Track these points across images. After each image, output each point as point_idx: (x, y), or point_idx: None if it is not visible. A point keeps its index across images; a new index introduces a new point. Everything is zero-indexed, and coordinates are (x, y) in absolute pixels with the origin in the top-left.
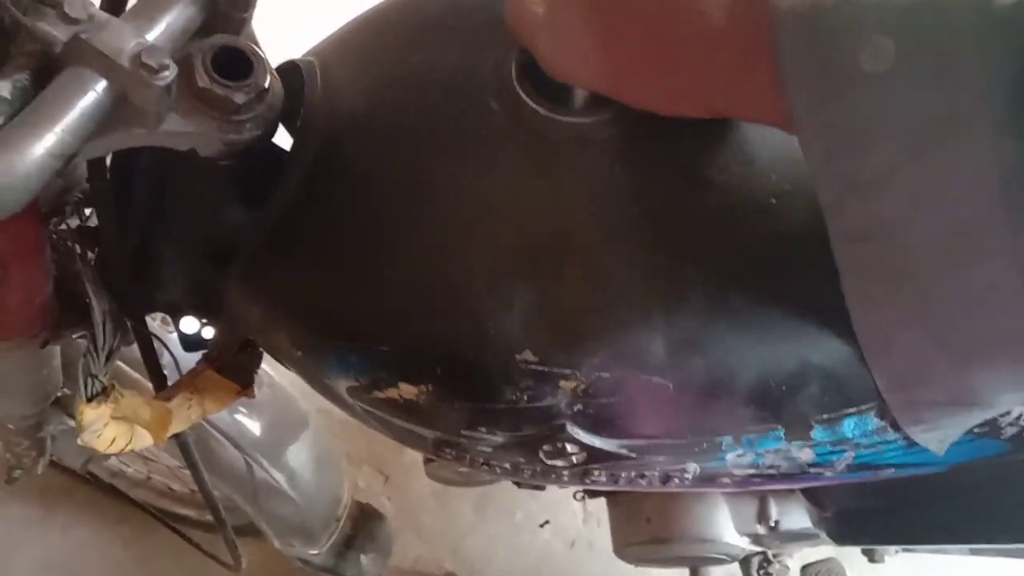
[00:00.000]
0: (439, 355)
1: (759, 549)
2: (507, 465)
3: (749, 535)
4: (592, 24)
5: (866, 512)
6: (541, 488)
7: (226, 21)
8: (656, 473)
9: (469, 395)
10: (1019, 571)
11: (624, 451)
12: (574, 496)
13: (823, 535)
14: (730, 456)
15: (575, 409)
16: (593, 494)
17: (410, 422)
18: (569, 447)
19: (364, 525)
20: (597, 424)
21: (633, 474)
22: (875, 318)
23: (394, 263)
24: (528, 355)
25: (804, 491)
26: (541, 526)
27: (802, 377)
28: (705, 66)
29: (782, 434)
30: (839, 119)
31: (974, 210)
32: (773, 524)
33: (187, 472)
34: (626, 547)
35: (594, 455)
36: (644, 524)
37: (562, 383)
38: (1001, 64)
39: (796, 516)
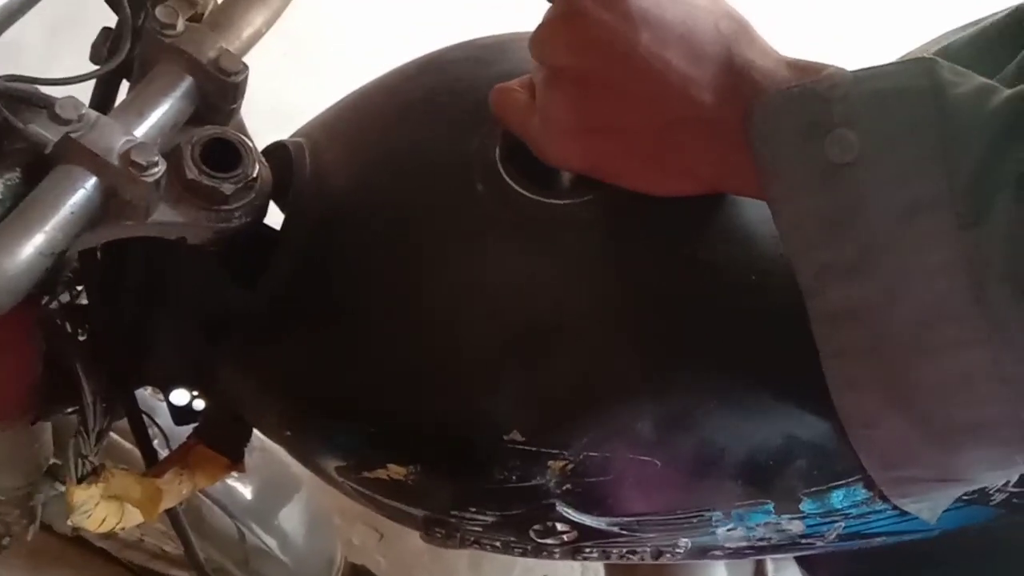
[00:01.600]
0: (427, 436)
1: None
2: (498, 544)
3: None
4: (583, 110)
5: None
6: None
7: (215, 112)
8: (648, 549)
9: (457, 475)
10: None
11: (615, 528)
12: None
13: None
14: (721, 531)
15: (564, 488)
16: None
17: (399, 501)
18: (559, 526)
19: None
20: (587, 503)
21: (624, 551)
22: (856, 401)
23: (382, 345)
24: (516, 435)
25: (797, 558)
26: None
27: (789, 452)
28: (697, 146)
29: (771, 508)
30: (811, 207)
31: (945, 300)
32: None
33: None
34: None
35: (585, 533)
36: None
37: (550, 463)
38: (960, 154)
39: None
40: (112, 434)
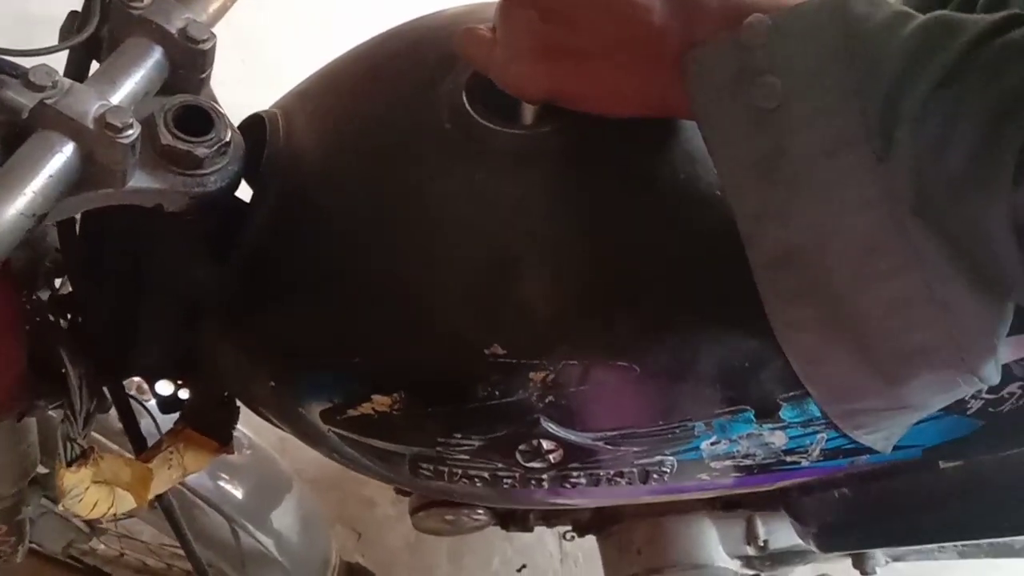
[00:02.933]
0: (409, 360)
1: (752, 573)
2: (486, 474)
3: (740, 557)
4: (537, 34)
5: (849, 522)
6: (528, 530)
7: (186, 82)
8: (634, 470)
9: (441, 398)
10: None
11: (599, 444)
12: (563, 536)
13: (811, 546)
14: (704, 444)
15: (547, 401)
16: (580, 533)
17: (385, 440)
18: (545, 444)
19: None
20: (569, 415)
21: (612, 472)
22: (800, 340)
23: (359, 277)
24: (497, 348)
25: (787, 510)
26: (518, 571)
27: (764, 354)
28: (645, 67)
29: (752, 416)
30: (743, 154)
31: (872, 234)
32: (762, 544)
33: (163, 548)
34: None
35: (570, 452)
36: (635, 556)
37: (531, 375)
38: (871, 90)
39: (784, 534)
40: (102, 438)
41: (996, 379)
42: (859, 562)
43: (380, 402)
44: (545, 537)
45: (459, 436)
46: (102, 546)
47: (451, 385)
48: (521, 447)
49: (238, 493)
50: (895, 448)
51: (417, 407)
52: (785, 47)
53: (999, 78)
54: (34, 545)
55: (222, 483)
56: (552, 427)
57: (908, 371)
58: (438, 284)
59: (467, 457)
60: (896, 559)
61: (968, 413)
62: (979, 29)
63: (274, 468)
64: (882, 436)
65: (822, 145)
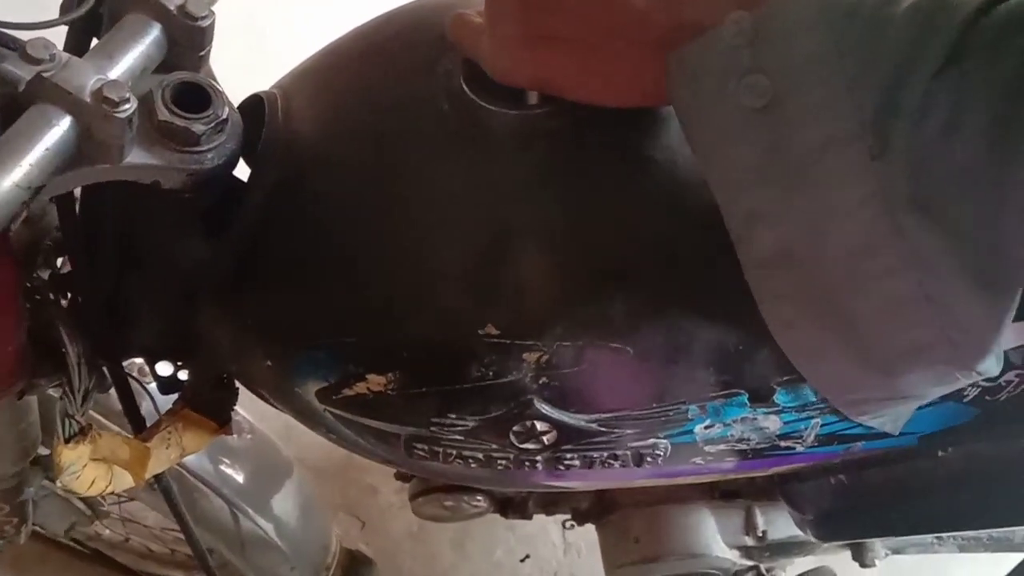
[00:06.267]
0: (403, 339)
1: (751, 563)
2: (480, 455)
3: (738, 548)
4: (525, 21)
5: (845, 509)
6: (527, 517)
7: (184, 59)
8: (628, 453)
9: (435, 377)
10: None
11: (593, 426)
12: (563, 524)
13: (808, 535)
14: (698, 428)
15: (540, 382)
16: (579, 521)
17: (380, 420)
18: (539, 425)
19: (355, 572)
20: (563, 397)
21: (605, 455)
22: (796, 338)
23: (354, 258)
24: (490, 328)
25: (784, 496)
26: (522, 561)
27: (758, 338)
28: (635, 56)
29: (746, 399)
30: (733, 156)
31: (867, 233)
32: (761, 534)
33: (167, 533)
34: (616, 569)
35: (564, 433)
36: (632, 544)
37: (525, 355)
38: (863, 86)
39: (783, 525)
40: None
41: (996, 371)
42: (858, 554)
43: (375, 381)
44: (548, 527)
45: (453, 416)
46: (107, 531)
47: (445, 365)
48: (515, 428)
49: (239, 477)
50: (888, 435)
51: (411, 387)
52: (771, 44)
53: (1007, 53)
54: (37, 528)
55: (223, 467)
56: (546, 408)
57: (903, 367)
58: (432, 264)
59: (461, 438)
60: (896, 551)
61: (965, 400)
62: (977, 2)
63: (275, 453)
64: (888, 419)
65: (814, 144)
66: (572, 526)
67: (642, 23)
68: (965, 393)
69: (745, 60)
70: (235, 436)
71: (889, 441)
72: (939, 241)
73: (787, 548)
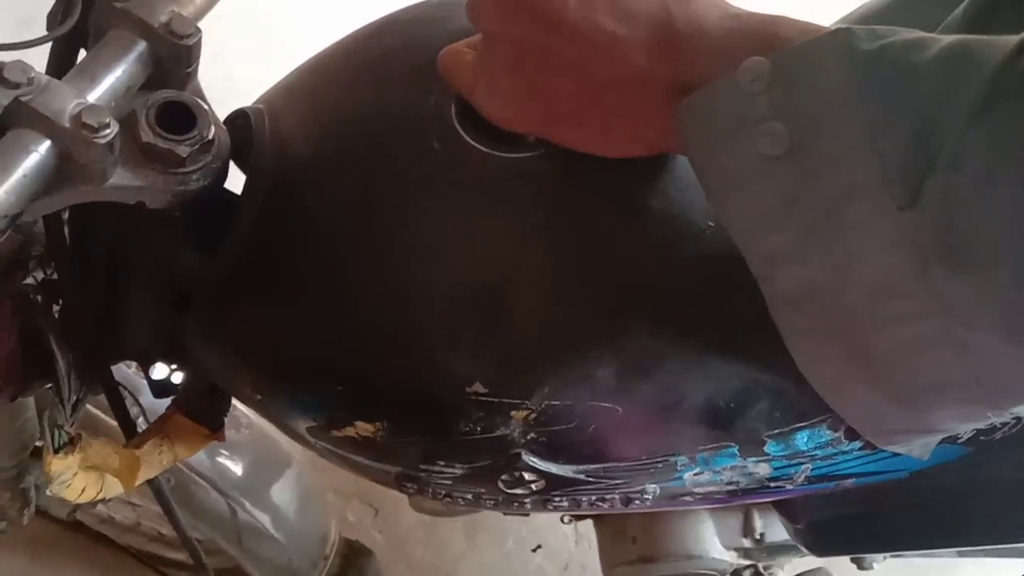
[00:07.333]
0: (391, 392)
1: (748, 563)
2: (469, 496)
3: (736, 549)
4: (520, 75)
5: (837, 522)
6: (525, 514)
7: (170, 77)
8: (616, 496)
9: (423, 429)
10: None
11: (581, 476)
12: (562, 519)
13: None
14: (688, 475)
15: (528, 437)
16: (577, 517)
17: (370, 459)
18: (527, 475)
19: (353, 562)
20: (552, 451)
21: (594, 498)
22: (823, 374)
23: (343, 304)
24: (478, 387)
25: (776, 504)
26: (533, 551)
27: (750, 395)
28: (634, 108)
29: (736, 451)
30: (748, 202)
31: (891, 278)
32: (759, 537)
33: None
34: (613, 568)
35: (552, 482)
36: (630, 544)
37: (513, 413)
38: (887, 137)
39: (781, 528)
40: (98, 412)
41: None
42: (856, 557)
43: (363, 428)
44: (560, 519)
45: (442, 464)
46: (119, 515)
47: (433, 418)
48: (503, 477)
49: (236, 469)
50: (879, 472)
51: (399, 436)
52: (789, 92)
53: None
54: (43, 509)
55: (220, 459)
56: (534, 460)
57: (931, 404)
58: (418, 316)
59: (450, 481)
60: (895, 555)
61: (959, 442)
62: (1011, 45)
63: (272, 446)
64: (918, 445)
65: (836, 193)
66: (571, 520)
67: (645, 80)
68: (959, 436)
69: (762, 107)
70: (232, 430)
71: (878, 476)
72: (972, 292)
73: (785, 550)
